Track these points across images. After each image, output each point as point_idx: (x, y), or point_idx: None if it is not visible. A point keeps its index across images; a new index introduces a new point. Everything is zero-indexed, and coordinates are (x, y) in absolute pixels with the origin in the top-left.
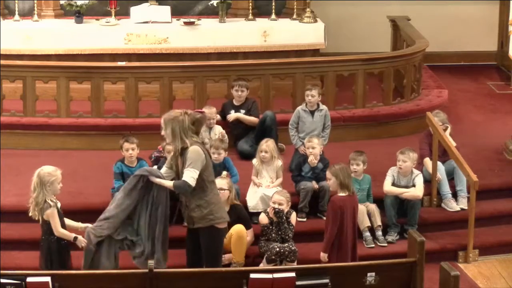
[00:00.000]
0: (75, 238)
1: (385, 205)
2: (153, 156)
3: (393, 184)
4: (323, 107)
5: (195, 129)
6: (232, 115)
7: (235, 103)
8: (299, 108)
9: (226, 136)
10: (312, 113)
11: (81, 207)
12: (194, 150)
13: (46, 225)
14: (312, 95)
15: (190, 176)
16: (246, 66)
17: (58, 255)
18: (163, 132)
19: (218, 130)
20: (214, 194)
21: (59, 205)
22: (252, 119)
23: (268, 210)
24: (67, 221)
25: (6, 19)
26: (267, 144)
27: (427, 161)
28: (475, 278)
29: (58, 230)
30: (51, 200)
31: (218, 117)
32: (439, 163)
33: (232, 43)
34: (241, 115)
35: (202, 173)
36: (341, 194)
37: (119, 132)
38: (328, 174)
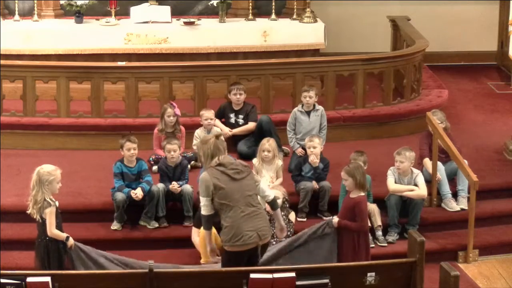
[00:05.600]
0: (67, 238)
1: (389, 205)
2: (152, 157)
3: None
4: (319, 107)
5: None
6: (227, 134)
7: (234, 107)
8: (295, 109)
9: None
10: (308, 113)
11: (81, 207)
12: (200, 179)
13: (44, 225)
14: (310, 96)
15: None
16: (246, 66)
17: (55, 256)
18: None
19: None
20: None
21: (57, 204)
22: (246, 127)
23: (266, 209)
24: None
25: (6, 19)
26: (269, 143)
27: (427, 161)
28: (475, 278)
29: (52, 231)
30: (51, 199)
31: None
32: (438, 163)
33: (232, 43)
34: (235, 130)
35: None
36: (361, 194)
37: (119, 132)
38: (344, 175)
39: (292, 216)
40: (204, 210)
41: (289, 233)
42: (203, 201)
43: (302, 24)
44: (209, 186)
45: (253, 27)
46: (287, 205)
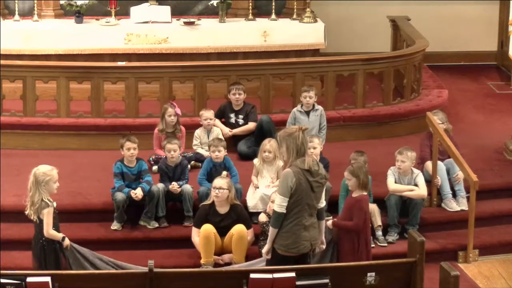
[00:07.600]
0: (63, 238)
1: (389, 205)
2: (152, 157)
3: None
4: (318, 107)
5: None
6: (227, 134)
7: (234, 107)
8: (294, 109)
9: (221, 133)
10: (307, 113)
11: (81, 207)
12: (284, 176)
13: (41, 225)
14: (310, 96)
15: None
16: (246, 66)
17: (51, 256)
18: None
19: (217, 132)
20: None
21: (55, 205)
22: (247, 127)
23: (267, 210)
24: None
25: (6, 19)
26: (271, 144)
27: (429, 165)
28: (475, 278)
29: (48, 231)
30: (48, 200)
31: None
32: (440, 163)
33: (232, 43)
34: (235, 130)
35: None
36: (364, 193)
37: (119, 132)
38: (347, 175)
39: None
40: (279, 208)
41: None
42: (280, 200)
43: (302, 24)
44: (291, 187)
45: (253, 27)
46: None
